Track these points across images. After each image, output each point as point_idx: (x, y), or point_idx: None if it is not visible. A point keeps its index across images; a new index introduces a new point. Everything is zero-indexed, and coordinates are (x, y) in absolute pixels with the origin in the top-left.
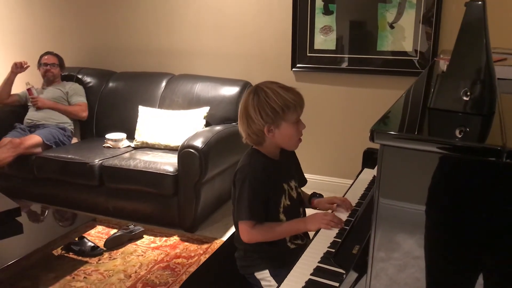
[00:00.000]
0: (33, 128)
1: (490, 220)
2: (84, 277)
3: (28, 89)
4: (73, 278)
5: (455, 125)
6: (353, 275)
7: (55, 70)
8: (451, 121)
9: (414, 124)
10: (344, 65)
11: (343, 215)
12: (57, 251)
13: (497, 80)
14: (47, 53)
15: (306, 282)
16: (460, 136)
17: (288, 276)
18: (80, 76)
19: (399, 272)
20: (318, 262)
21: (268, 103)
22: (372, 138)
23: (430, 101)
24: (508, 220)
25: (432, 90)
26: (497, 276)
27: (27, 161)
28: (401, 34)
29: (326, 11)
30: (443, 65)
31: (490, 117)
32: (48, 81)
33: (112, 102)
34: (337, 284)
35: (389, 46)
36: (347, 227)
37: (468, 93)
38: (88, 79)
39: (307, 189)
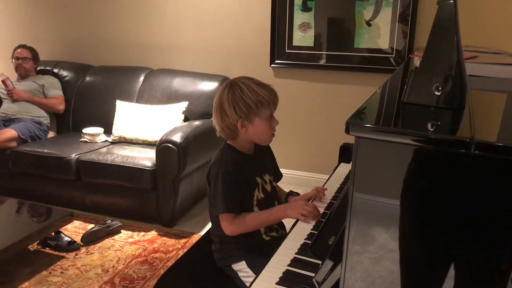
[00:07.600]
0: (8, 122)
1: (461, 210)
2: (61, 272)
3: (3, 81)
4: (50, 273)
5: (427, 118)
6: (328, 264)
7: (27, 64)
8: (423, 115)
9: (389, 117)
10: (322, 61)
11: (320, 205)
12: (33, 246)
13: (467, 76)
14: (20, 46)
15: (283, 273)
16: (432, 129)
17: (265, 267)
18: (56, 70)
19: (374, 264)
20: (295, 254)
21: (243, 98)
22: (347, 131)
23: (403, 95)
24: (478, 210)
25: (406, 85)
26: (468, 267)
27: (2, 156)
28: (378, 32)
29: (305, 8)
30: (417, 61)
31: (460, 111)
32: (21, 75)
33: (89, 96)
34: (313, 275)
35: (365, 44)
36: (324, 220)
37: (440, 88)
38: (64, 73)
39: (285, 184)
